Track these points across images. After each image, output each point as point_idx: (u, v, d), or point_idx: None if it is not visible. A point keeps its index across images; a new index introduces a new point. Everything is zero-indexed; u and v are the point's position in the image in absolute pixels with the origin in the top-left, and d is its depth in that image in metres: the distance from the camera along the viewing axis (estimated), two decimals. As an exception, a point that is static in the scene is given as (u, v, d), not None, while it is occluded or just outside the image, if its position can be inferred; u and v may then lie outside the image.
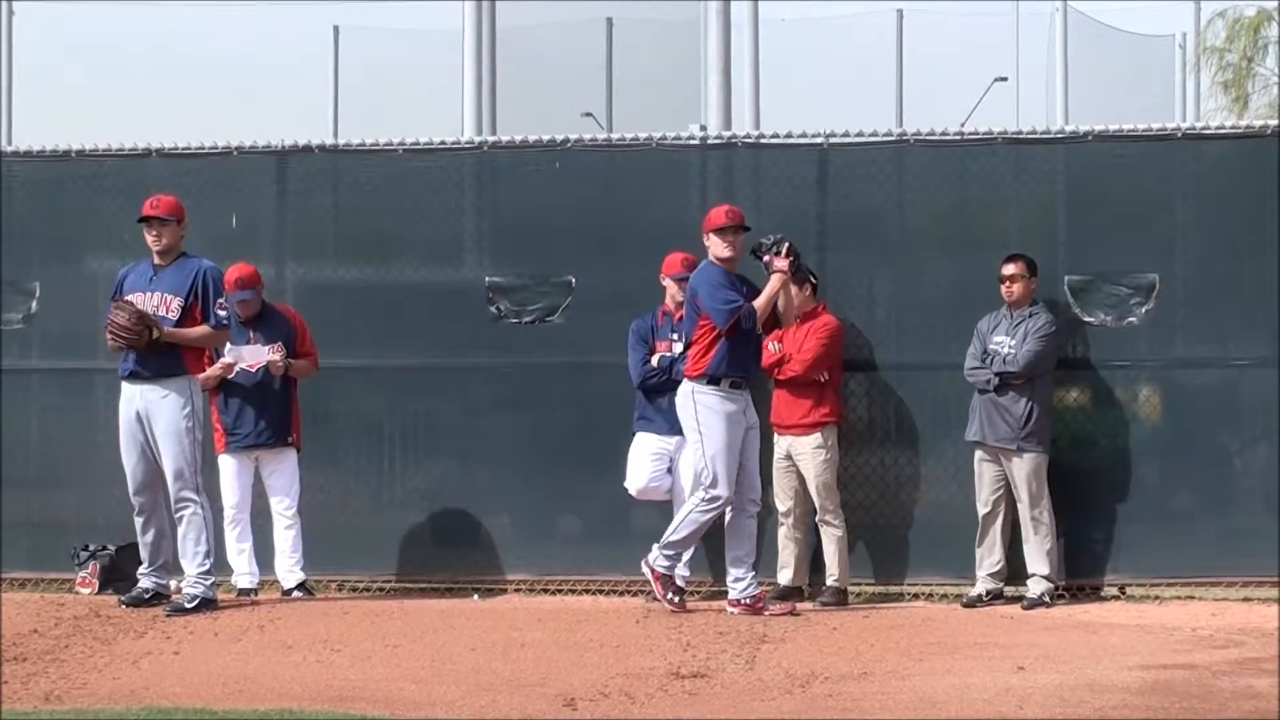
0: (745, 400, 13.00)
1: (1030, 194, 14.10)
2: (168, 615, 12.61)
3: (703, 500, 12.88)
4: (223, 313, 12.87)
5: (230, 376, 13.66)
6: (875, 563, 14.00)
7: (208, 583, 12.84)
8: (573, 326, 14.36)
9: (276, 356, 13.66)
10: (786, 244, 13.01)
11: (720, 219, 13.01)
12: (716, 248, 12.98)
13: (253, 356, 13.67)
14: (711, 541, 13.74)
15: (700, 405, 12.88)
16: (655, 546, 13.00)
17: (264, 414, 13.73)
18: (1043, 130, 14.68)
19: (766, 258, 13.03)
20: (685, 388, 12.99)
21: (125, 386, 12.92)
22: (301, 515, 13.79)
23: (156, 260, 12.95)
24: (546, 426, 14.43)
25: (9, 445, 14.76)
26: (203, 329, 12.86)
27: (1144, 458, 13.88)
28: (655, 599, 13.06)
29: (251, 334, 13.76)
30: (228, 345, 13.59)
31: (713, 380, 12.88)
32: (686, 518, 12.95)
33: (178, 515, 12.83)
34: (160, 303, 12.83)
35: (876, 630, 12.28)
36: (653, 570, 12.98)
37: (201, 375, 13.47)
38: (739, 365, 12.93)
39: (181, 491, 12.77)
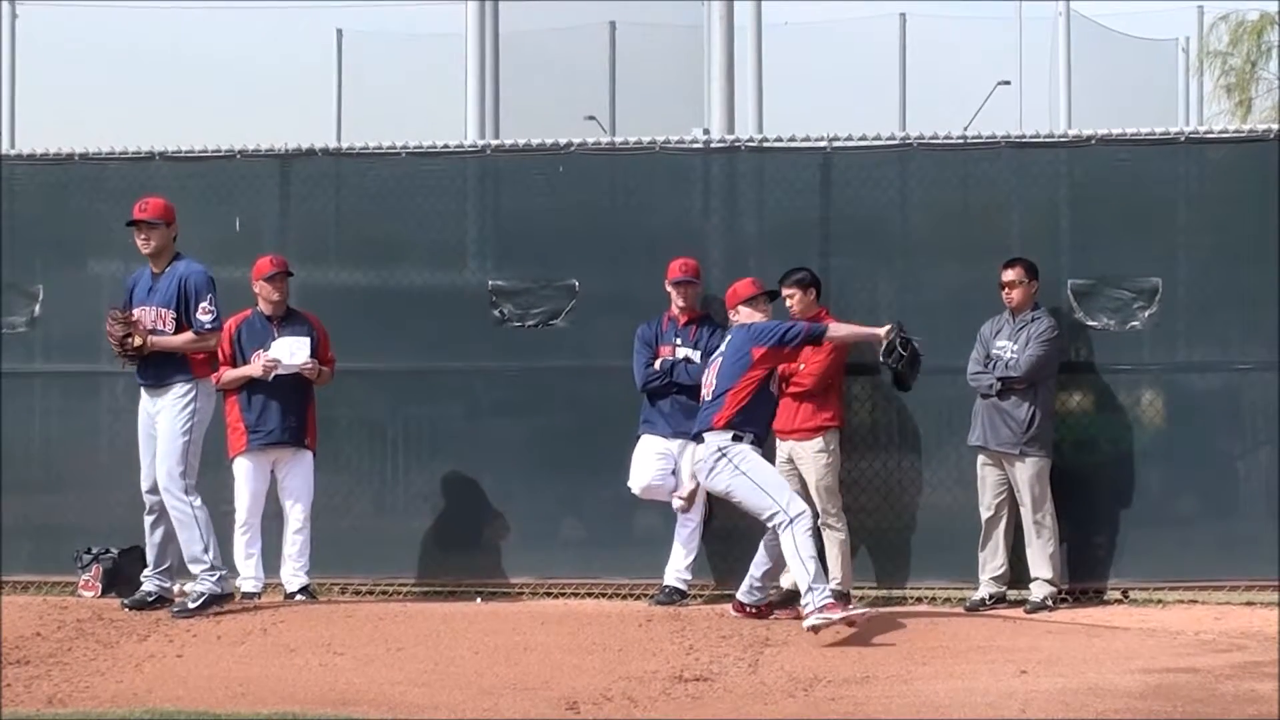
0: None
1: (1033, 198, 14.10)
2: (173, 616, 12.60)
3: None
4: (205, 317, 12.73)
5: (268, 378, 13.63)
6: (878, 566, 14.00)
7: (214, 578, 12.74)
8: (576, 330, 14.36)
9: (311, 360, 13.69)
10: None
11: (749, 290, 12.83)
12: (749, 317, 12.71)
13: (298, 355, 13.60)
14: (713, 544, 13.76)
15: (732, 456, 12.34)
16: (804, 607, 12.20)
17: (288, 412, 13.67)
18: (1046, 134, 14.70)
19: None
20: (712, 442, 12.41)
21: (141, 390, 12.95)
22: (311, 521, 13.77)
23: (152, 267, 12.93)
24: (550, 430, 14.43)
25: (12, 448, 14.76)
26: (187, 335, 12.79)
27: (1146, 462, 13.87)
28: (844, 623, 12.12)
29: (278, 335, 13.73)
30: (275, 340, 13.60)
31: (737, 435, 12.40)
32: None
33: (172, 515, 12.74)
34: (156, 316, 12.82)
35: (879, 634, 12.27)
36: (816, 627, 12.06)
37: (237, 372, 13.56)
38: (759, 422, 12.58)
39: (169, 489, 12.67)
